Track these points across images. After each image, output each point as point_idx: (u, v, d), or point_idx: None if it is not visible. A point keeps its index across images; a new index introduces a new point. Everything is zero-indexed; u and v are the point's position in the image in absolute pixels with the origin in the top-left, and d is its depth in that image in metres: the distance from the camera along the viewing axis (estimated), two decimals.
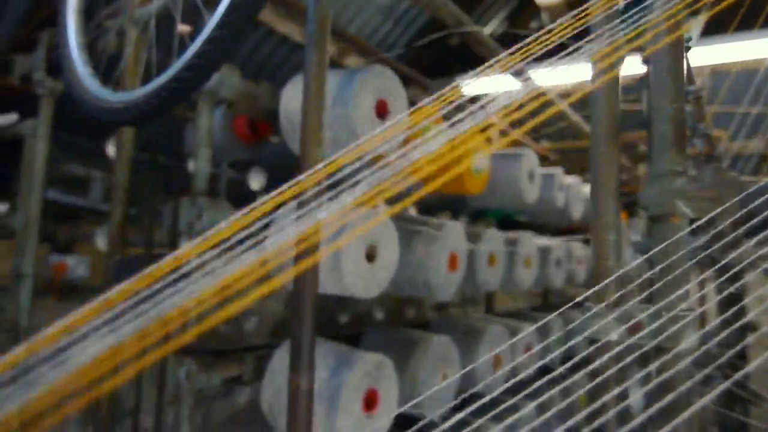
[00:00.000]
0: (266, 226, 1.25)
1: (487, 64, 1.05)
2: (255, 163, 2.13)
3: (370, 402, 1.33)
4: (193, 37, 1.19)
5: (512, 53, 1.07)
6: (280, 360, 1.34)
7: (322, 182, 1.13)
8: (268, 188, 1.51)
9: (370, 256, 1.34)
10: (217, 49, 1.11)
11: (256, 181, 2.39)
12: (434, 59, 3.54)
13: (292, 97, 1.41)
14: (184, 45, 1.20)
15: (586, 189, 2.55)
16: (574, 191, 2.37)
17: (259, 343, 1.48)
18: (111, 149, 2.00)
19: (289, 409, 1.10)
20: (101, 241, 2.05)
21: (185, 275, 0.97)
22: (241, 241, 1.08)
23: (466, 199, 2.27)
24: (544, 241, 2.27)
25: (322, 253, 1.21)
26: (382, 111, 1.39)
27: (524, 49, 1.05)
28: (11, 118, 1.94)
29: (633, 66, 1.13)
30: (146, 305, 0.96)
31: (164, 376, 1.28)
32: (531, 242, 2.08)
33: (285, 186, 1.09)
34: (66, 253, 2.56)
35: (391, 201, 1.45)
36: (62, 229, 2.64)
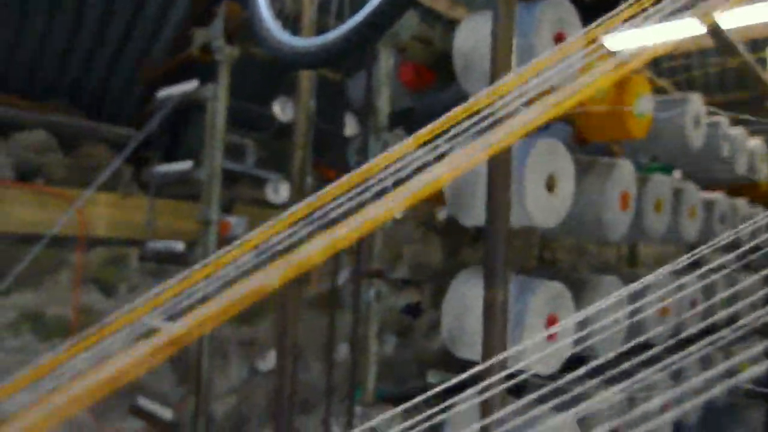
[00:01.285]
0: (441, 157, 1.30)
1: None
2: (411, 114, 2.21)
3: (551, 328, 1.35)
4: None
5: None
6: (459, 288, 1.40)
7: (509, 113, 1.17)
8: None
9: (550, 187, 1.35)
10: None
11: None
12: None
13: (466, 36, 1.46)
14: None
15: (752, 142, 2.36)
16: (739, 142, 2.21)
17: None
18: (277, 109, 2.19)
19: (484, 322, 1.15)
20: (271, 194, 2.24)
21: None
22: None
23: (617, 152, 2.19)
24: (709, 194, 2.14)
25: (510, 180, 1.25)
26: (560, 43, 1.39)
27: None
28: (193, 84, 2.17)
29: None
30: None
31: (358, 297, 1.38)
32: (696, 192, 1.97)
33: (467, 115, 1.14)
34: (228, 212, 2.82)
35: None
36: (223, 192, 2.91)
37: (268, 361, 2.03)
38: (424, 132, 1.07)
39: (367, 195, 1.00)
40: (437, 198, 2.15)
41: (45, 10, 2.32)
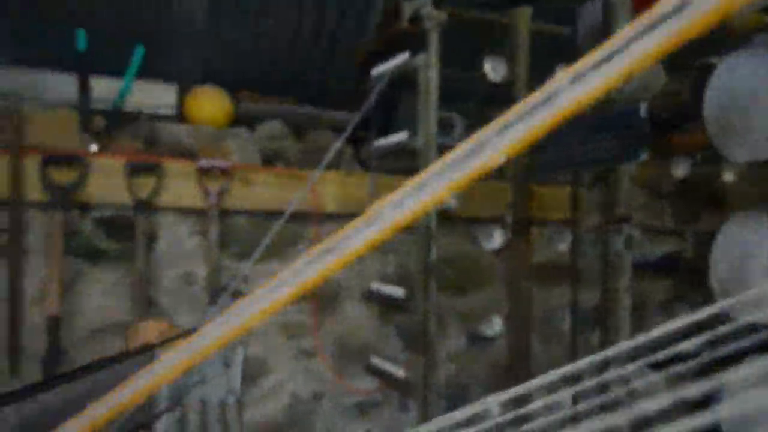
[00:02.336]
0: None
1: None
2: None
3: None
4: None
5: None
6: (734, 231, 1.17)
7: None
8: None
9: None
10: None
11: None
12: None
13: None
14: None
15: None
16: None
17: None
18: (488, 68, 2.14)
19: None
20: None
21: None
22: None
23: None
24: None
25: None
26: None
27: None
28: (404, 57, 2.23)
29: None
30: None
31: (606, 246, 1.25)
32: None
33: None
34: None
35: None
36: None
37: (493, 326, 2.00)
38: None
39: None
40: (679, 146, 1.87)
41: (273, 13, 2.61)
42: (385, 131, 2.93)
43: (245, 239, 2.49)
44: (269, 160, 2.62)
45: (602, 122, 1.11)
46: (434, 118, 2.10)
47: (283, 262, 2.55)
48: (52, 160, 2.18)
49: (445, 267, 2.72)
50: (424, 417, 2.21)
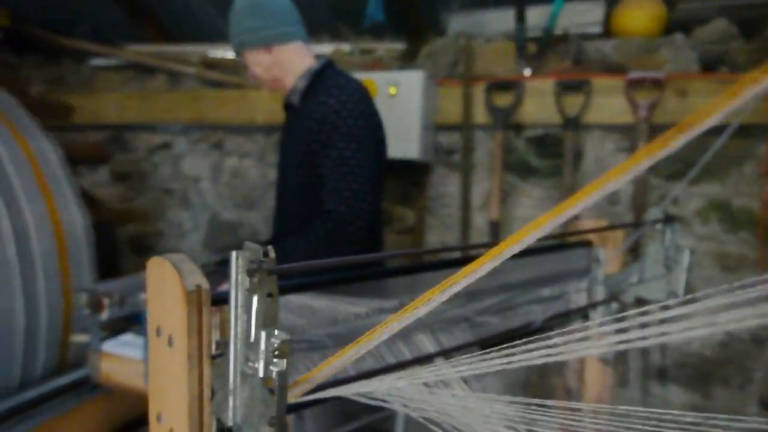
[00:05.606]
0: None
1: None
2: None
3: None
4: None
5: None
6: None
7: None
8: None
9: None
10: None
11: None
12: None
13: None
14: None
15: None
16: None
17: None
18: None
19: None
20: None
21: None
22: None
23: None
24: None
25: None
26: None
27: None
28: None
29: None
30: None
31: None
32: None
33: None
34: None
35: None
36: None
37: None
38: None
39: None
40: None
41: None
42: None
43: (678, 156, 2.27)
44: (711, 66, 2.29)
45: None
46: None
47: (724, 186, 2.24)
48: (493, 86, 2.48)
49: None
50: None
